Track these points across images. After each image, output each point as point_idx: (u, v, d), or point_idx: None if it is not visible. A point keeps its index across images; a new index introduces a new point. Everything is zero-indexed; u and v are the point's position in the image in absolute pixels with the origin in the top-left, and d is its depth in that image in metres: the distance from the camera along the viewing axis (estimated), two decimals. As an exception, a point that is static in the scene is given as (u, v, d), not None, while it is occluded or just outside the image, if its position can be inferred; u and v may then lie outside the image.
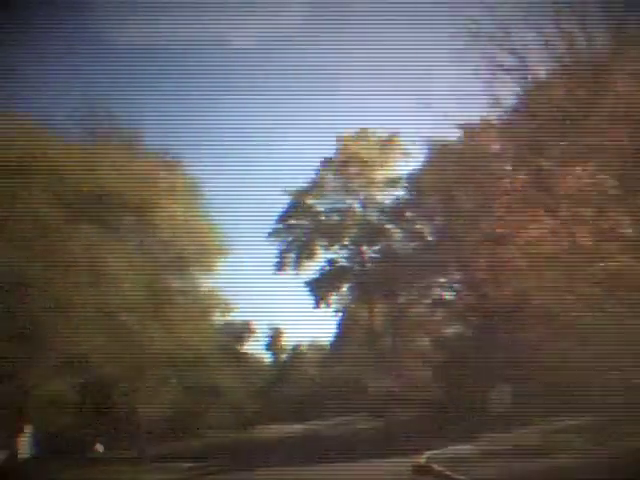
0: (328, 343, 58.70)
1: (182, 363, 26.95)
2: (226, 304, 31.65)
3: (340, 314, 49.19)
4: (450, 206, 38.50)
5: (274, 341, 70.54)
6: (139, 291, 22.44)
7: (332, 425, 45.00)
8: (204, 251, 26.90)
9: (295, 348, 69.72)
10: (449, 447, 19.02)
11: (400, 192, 43.46)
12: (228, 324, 55.31)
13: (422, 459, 16.64)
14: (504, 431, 21.64)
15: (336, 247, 44.34)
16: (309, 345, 68.86)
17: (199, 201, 28.02)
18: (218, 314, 32.26)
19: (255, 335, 65.78)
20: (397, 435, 30.18)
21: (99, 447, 33.68)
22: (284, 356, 69.78)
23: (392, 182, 43.61)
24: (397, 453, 20.42)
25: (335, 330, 53.58)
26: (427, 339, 42.97)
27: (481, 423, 26.09)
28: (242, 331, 63.97)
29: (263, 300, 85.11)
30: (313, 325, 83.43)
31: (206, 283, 28.21)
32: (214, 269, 28.00)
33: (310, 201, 44.09)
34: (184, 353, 25.20)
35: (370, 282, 42.04)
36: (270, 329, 69.58)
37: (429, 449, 19.26)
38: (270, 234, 44.22)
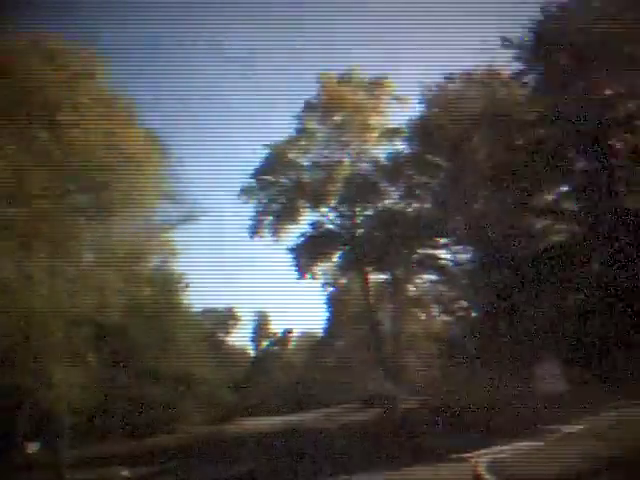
0: (315, 326, 52.58)
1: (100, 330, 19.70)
2: (167, 247, 24.01)
3: (329, 289, 42.45)
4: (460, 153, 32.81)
5: (259, 326, 64.31)
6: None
7: (320, 417, 38.50)
8: (127, 155, 18.33)
9: (279, 333, 63.62)
10: (508, 446, 12.39)
11: (396, 144, 36.88)
12: (208, 310, 52.27)
13: (479, 467, 9.99)
14: (565, 421, 15.12)
15: (323, 208, 37.55)
16: (293, 328, 62.78)
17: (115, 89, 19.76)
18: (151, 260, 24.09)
19: (234, 319, 59.80)
20: (406, 429, 23.75)
21: (31, 447, 26.98)
22: (266, 342, 63.61)
23: (386, 132, 36.95)
24: (420, 457, 13.85)
25: (323, 309, 47.08)
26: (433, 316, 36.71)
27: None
28: (224, 318, 58.27)
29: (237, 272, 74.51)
30: (297, 303, 75.47)
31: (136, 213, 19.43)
32: (146, 188, 19.48)
33: (290, 154, 37.23)
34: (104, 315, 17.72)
35: (362, 249, 35.31)
36: (253, 313, 64.82)
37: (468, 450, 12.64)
38: (242, 192, 37.30)
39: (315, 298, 61.83)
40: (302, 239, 37.01)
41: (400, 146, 36.62)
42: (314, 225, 37.42)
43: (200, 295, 54.05)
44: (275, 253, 79.90)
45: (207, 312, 50.53)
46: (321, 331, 52.06)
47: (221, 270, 69.12)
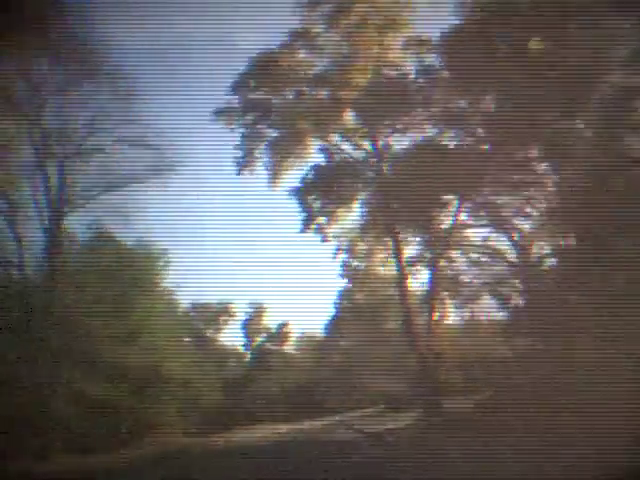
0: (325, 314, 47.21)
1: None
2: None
3: (343, 257, 32.92)
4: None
5: (253, 320, 57.27)
6: None
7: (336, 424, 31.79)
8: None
9: (280, 326, 56.22)
10: None
11: (431, 56, 27.47)
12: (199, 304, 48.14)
13: None
14: None
15: (335, 136, 27.91)
16: (298, 317, 56.11)
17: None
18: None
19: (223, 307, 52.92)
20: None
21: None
22: (263, 335, 56.35)
23: (418, 42, 27.61)
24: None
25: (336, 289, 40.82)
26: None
27: None
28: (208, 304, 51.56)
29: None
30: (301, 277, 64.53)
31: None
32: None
33: (285, 61, 27.78)
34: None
35: (392, 193, 25.63)
36: (249, 305, 56.27)
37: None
38: (219, 113, 28.03)
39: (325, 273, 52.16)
40: (307, 176, 27.33)
41: (436, 56, 27.11)
42: (324, 156, 27.77)
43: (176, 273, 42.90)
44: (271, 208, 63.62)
45: (184, 290, 43.59)
46: (333, 319, 45.17)
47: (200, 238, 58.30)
